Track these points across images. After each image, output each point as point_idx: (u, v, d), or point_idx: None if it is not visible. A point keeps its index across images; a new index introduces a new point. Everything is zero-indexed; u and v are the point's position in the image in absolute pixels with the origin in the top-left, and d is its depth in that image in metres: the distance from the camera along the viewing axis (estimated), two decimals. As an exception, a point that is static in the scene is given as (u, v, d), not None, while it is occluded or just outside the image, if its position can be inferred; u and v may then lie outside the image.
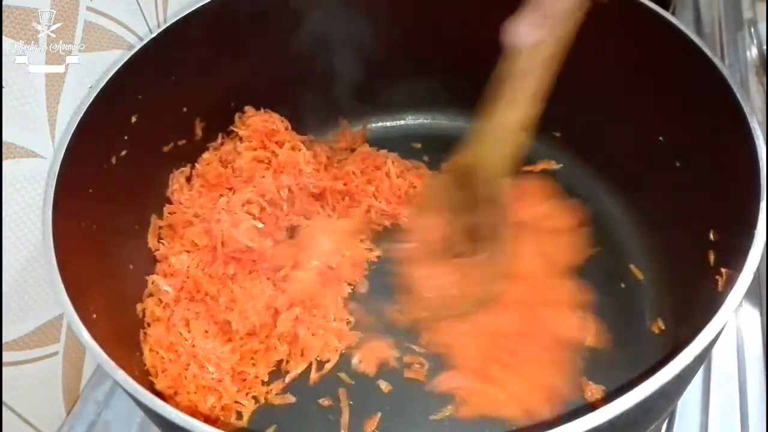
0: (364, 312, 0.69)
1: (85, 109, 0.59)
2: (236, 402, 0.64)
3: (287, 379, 0.66)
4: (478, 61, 0.76)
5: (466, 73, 0.77)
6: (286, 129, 0.78)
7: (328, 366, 0.66)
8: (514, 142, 0.59)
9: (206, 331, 0.66)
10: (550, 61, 0.55)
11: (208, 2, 0.68)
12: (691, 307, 0.63)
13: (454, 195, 0.63)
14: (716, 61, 0.57)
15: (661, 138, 0.67)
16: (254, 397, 0.65)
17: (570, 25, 0.55)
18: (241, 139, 0.76)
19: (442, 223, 0.63)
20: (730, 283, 0.46)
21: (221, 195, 0.73)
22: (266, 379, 0.66)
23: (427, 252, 0.64)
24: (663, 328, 0.65)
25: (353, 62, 0.77)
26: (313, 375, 0.66)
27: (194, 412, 0.61)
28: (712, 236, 0.58)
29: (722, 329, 0.44)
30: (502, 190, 0.61)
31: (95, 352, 0.48)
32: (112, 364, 0.47)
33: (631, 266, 0.71)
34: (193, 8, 0.68)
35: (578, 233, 0.71)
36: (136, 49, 0.64)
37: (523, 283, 0.66)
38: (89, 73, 0.65)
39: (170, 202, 0.73)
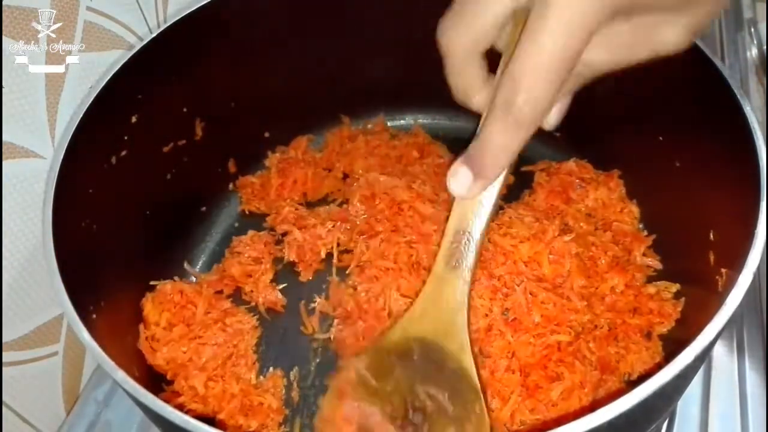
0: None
1: (85, 109, 0.59)
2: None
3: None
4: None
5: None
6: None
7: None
8: (466, 306, 0.54)
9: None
10: (481, 227, 0.52)
11: (209, 2, 0.68)
12: (691, 306, 0.63)
13: (393, 372, 0.55)
14: (716, 61, 0.57)
15: (661, 138, 0.67)
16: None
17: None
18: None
19: (371, 408, 0.54)
20: (730, 283, 0.46)
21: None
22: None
23: None
24: (663, 327, 0.65)
25: (354, 61, 0.77)
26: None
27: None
28: (712, 236, 0.58)
29: (722, 329, 0.44)
30: (467, 356, 0.54)
31: (95, 352, 0.48)
32: (112, 364, 0.47)
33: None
34: (193, 8, 0.68)
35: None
36: (136, 49, 0.64)
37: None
38: (89, 73, 0.65)
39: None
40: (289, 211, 0.77)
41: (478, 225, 0.52)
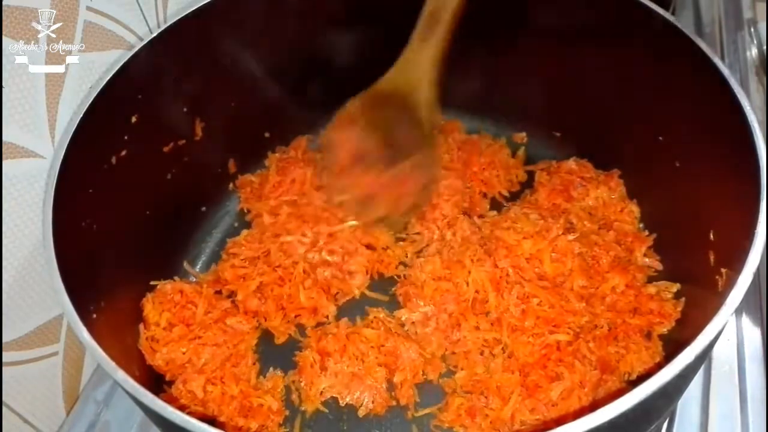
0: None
1: (85, 109, 0.59)
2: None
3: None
4: (478, 61, 0.77)
5: (466, 73, 0.77)
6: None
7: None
8: (432, 73, 0.67)
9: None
10: (456, 5, 0.63)
11: (208, 2, 0.68)
12: (691, 306, 0.63)
13: (377, 114, 0.70)
14: (716, 61, 0.57)
15: (661, 138, 0.67)
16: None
17: None
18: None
19: (362, 137, 0.70)
20: (730, 283, 0.46)
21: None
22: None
23: (352, 162, 0.71)
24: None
25: (356, 59, 0.77)
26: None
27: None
28: (712, 236, 0.58)
29: (722, 329, 0.44)
30: (429, 111, 0.69)
31: (95, 352, 0.48)
32: (112, 364, 0.47)
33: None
34: (193, 8, 0.68)
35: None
36: (136, 49, 0.64)
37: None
38: (89, 73, 0.65)
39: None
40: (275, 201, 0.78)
41: (449, 4, 0.63)
